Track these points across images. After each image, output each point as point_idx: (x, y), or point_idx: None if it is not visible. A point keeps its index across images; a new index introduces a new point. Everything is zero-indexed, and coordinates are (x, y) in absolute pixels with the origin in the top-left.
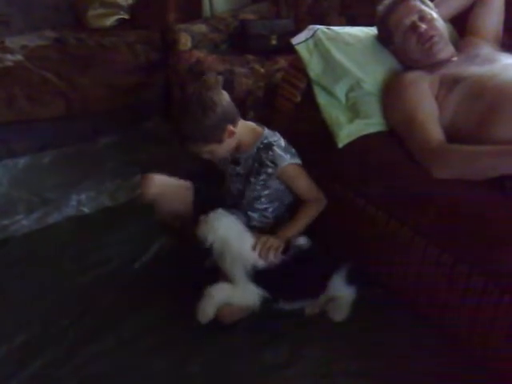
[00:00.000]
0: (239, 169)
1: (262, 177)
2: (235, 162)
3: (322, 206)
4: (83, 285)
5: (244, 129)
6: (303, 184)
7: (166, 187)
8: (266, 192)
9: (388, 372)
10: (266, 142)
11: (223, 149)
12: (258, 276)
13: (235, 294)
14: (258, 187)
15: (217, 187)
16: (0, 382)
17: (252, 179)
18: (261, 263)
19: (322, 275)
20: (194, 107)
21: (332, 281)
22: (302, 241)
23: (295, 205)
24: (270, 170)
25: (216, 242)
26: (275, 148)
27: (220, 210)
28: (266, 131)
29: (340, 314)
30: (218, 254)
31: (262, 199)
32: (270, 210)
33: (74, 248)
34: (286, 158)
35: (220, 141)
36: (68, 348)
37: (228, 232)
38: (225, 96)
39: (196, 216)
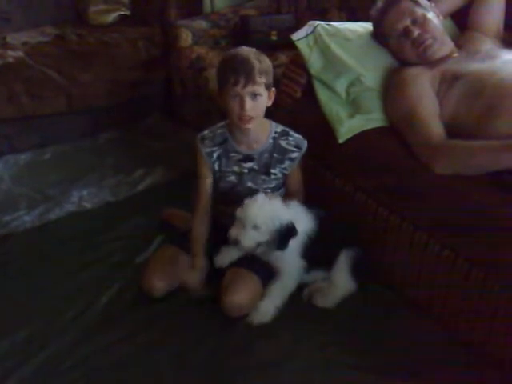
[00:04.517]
0: (253, 164)
1: (285, 164)
2: (248, 159)
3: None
4: (85, 280)
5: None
6: (300, 173)
7: (171, 279)
8: (283, 180)
9: (384, 365)
10: (279, 130)
11: (264, 104)
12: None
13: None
14: (280, 175)
15: None
16: (4, 375)
17: (273, 170)
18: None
19: (336, 243)
20: (251, 51)
21: (336, 266)
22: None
23: None
24: (294, 155)
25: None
26: (292, 133)
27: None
28: (272, 121)
29: (327, 301)
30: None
31: (281, 189)
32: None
33: (76, 243)
34: (304, 140)
35: (270, 88)
36: (70, 342)
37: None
38: None
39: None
